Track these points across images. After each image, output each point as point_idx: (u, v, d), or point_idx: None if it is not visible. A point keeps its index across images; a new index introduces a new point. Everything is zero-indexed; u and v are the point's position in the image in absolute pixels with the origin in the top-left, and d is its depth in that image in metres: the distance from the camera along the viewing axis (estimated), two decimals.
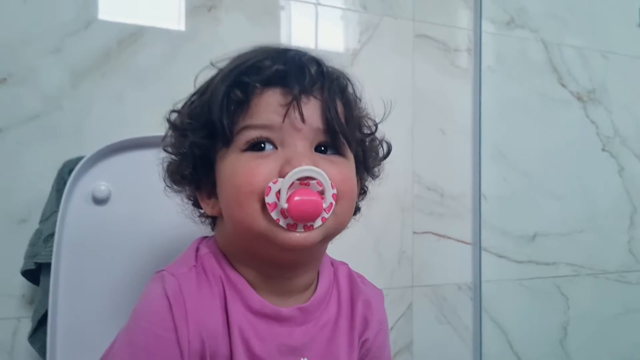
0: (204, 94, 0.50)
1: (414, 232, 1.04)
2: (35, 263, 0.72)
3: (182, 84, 0.53)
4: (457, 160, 1.09)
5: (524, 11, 1.14)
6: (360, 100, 0.53)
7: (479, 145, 1.09)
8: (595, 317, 1.20)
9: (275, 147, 0.47)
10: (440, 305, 1.06)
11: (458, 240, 1.08)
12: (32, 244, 0.74)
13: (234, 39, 0.89)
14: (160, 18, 0.86)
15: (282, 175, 0.45)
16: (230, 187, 0.47)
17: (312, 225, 0.46)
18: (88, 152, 0.70)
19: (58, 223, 0.68)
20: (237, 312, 0.49)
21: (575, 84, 1.19)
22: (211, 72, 0.51)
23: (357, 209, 0.56)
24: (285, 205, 0.44)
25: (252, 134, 0.47)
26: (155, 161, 0.54)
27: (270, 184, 0.45)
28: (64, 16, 0.80)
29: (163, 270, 0.50)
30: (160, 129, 0.54)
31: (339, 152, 0.50)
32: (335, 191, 0.46)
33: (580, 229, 1.19)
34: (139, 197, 0.72)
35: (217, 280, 0.50)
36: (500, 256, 1.11)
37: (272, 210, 0.45)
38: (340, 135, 0.49)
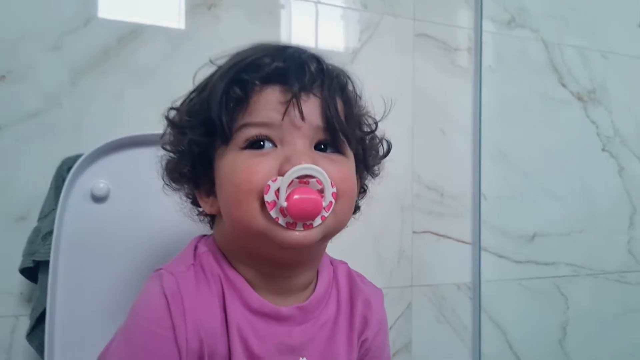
0: (202, 91, 0.50)
1: (414, 232, 1.04)
2: (34, 261, 0.71)
3: (181, 82, 0.52)
4: (457, 160, 1.09)
5: (525, 10, 1.14)
6: (360, 98, 0.52)
7: (479, 144, 1.09)
8: (594, 317, 1.20)
9: (275, 145, 0.47)
10: (439, 304, 1.06)
11: (458, 240, 1.08)
12: (31, 241, 0.74)
13: (234, 37, 0.89)
14: (160, 16, 0.86)
15: (281, 173, 0.45)
16: (229, 185, 0.47)
17: (311, 224, 0.45)
18: (87, 149, 0.70)
19: (57, 221, 0.67)
20: (236, 311, 0.48)
21: (575, 83, 1.19)
22: (210, 70, 0.51)
23: (356, 208, 0.56)
24: (285, 204, 0.44)
25: (251, 132, 0.47)
26: (154, 159, 0.54)
27: (270, 182, 0.44)
28: (63, 13, 0.79)
29: (161, 268, 0.49)
30: (159, 127, 0.54)
31: (338, 150, 0.49)
32: (335, 190, 0.46)
33: (580, 229, 1.19)
34: (138, 195, 0.71)
35: (216, 279, 0.49)
36: (500, 256, 1.11)
37: (272, 209, 0.44)
38: (340, 134, 0.48)
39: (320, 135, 0.48)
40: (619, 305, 1.23)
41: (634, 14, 1.26)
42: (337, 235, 0.51)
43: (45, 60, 0.78)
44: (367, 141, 0.54)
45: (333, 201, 0.46)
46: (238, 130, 0.47)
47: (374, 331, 0.57)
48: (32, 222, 0.75)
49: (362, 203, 0.57)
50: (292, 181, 0.44)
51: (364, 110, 0.54)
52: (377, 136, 0.55)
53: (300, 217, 0.45)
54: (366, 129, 0.54)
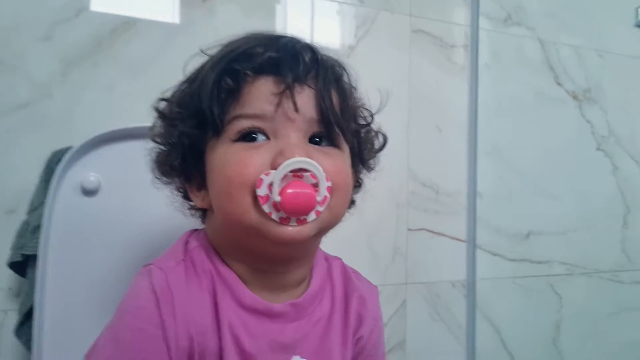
0: (193, 82, 0.49)
1: (409, 229, 1.04)
2: (23, 255, 0.71)
3: (175, 75, 0.51)
4: (453, 157, 1.08)
5: (521, 8, 1.13)
6: (355, 89, 0.51)
7: (475, 142, 1.08)
8: (588, 316, 1.20)
9: (268, 138, 0.46)
10: (434, 302, 1.06)
11: (452, 238, 1.08)
12: (20, 235, 0.73)
13: (228, 31, 0.87)
14: (155, 9, 0.84)
15: (274, 167, 0.44)
16: (220, 178, 0.46)
17: (305, 219, 0.44)
18: (77, 142, 0.69)
19: (46, 214, 0.67)
20: (227, 308, 0.47)
21: (571, 82, 1.19)
22: (202, 60, 0.50)
23: (352, 202, 0.54)
24: (278, 199, 0.42)
25: (243, 124, 0.46)
26: (146, 152, 0.52)
27: (262, 176, 0.43)
28: (54, 3, 0.78)
29: (150, 264, 0.48)
30: (151, 120, 0.52)
31: (333, 143, 0.48)
32: (329, 184, 0.45)
33: (574, 228, 1.19)
34: (128, 188, 0.70)
35: (207, 274, 0.48)
36: (495, 254, 1.11)
37: (264, 203, 0.43)
38: (335, 126, 0.47)
39: (315, 128, 0.47)
40: (612, 304, 1.23)
41: (630, 13, 1.26)
42: (330, 232, 0.50)
43: (36, 50, 0.77)
44: (362, 134, 0.53)
45: (328, 196, 0.45)
46: (230, 122, 0.46)
47: (369, 329, 0.56)
48: (21, 216, 0.74)
49: (357, 197, 0.56)
50: (285, 175, 0.43)
51: (360, 103, 0.53)
52: (372, 129, 0.54)
53: (294, 212, 0.44)
54: (362, 122, 0.53)
